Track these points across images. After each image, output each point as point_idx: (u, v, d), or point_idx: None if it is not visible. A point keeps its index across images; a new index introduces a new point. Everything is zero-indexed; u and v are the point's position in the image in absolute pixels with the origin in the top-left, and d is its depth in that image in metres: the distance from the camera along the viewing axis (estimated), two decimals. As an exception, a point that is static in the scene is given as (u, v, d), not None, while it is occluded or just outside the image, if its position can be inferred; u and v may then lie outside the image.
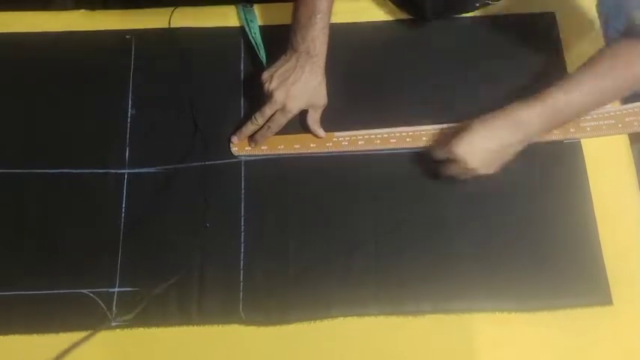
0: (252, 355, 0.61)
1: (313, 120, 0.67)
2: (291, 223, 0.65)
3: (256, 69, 0.70)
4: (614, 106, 0.69)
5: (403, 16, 0.74)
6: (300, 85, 0.63)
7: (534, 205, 0.66)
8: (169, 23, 0.74)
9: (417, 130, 0.68)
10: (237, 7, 0.75)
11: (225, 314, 0.62)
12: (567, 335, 0.61)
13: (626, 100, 0.68)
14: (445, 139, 0.63)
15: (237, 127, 0.68)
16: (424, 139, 0.68)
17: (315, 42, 0.63)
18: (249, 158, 0.68)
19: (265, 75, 0.65)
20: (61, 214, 0.65)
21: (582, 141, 0.68)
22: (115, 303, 0.62)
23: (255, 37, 0.72)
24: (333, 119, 0.68)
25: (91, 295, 0.62)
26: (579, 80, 0.59)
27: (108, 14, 0.75)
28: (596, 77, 0.58)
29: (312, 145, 0.68)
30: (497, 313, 0.62)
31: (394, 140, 0.68)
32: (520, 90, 0.70)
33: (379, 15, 0.75)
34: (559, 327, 0.61)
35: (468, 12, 0.74)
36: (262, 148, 0.68)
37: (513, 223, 0.65)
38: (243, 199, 0.66)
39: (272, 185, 0.67)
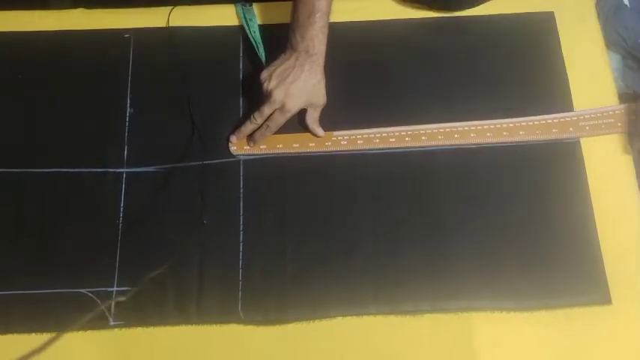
0: (250, 354, 0.61)
1: (312, 119, 0.67)
2: (289, 223, 0.65)
3: (255, 68, 0.70)
4: (614, 105, 0.69)
5: (403, 15, 0.74)
6: (300, 84, 0.63)
7: (533, 205, 0.66)
8: (168, 22, 0.74)
9: (417, 130, 0.68)
10: (236, 7, 0.75)
11: (223, 314, 0.62)
12: (566, 335, 0.61)
13: (626, 99, 0.68)
14: None
15: (236, 127, 0.68)
16: (423, 138, 0.68)
17: (314, 41, 0.63)
18: (247, 157, 0.68)
19: (264, 74, 0.65)
20: (60, 213, 0.65)
21: (582, 140, 0.68)
22: (113, 302, 0.62)
23: (255, 35, 0.72)
24: (332, 118, 0.68)
25: (89, 294, 0.62)
26: None
27: (106, 13, 0.75)
28: None
29: (311, 144, 0.68)
30: (496, 312, 0.62)
31: (393, 140, 0.68)
32: (519, 89, 0.71)
33: (378, 14, 0.74)
34: (558, 326, 0.61)
35: None
36: (261, 147, 0.68)
37: (512, 223, 0.65)
38: (241, 199, 0.66)
39: (271, 184, 0.67)
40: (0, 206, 0.66)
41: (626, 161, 0.68)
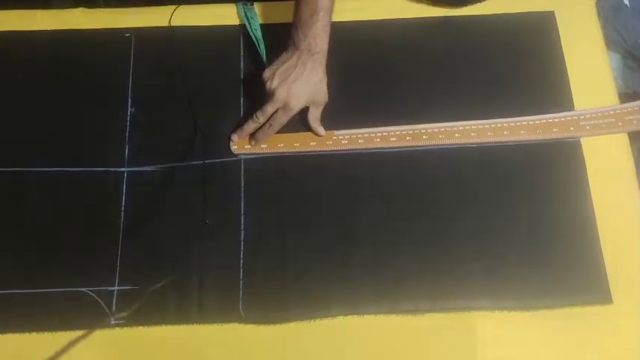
0: (251, 353, 0.61)
1: (314, 117, 0.67)
2: (290, 222, 0.65)
3: (256, 67, 0.70)
4: (614, 105, 0.69)
5: (406, 14, 0.74)
6: (302, 82, 0.63)
7: (534, 204, 0.66)
8: (170, 22, 0.74)
9: (418, 129, 0.68)
10: (237, 6, 0.75)
11: (224, 313, 0.61)
12: (567, 334, 0.61)
13: (626, 99, 0.68)
14: None
15: (238, 126, 0.68)
16: (424, 137, 0.68)
17: (317, 39, 0.63)
18: (248, 157, 0.68)
19: (267, 73, 0.65)
20: (61, 212, 0.65)
21: (582, 140, 0.68)
22: (114, 301, 0.62)
23: (256, 33, 0.71)
24: (333, 117, 0.68)
25: (91, 293, 0.62)
26: None
27: (107, 12, 0.75)
28: None
29: (312, 143, 0.68)
30: (496, 311, 0.62)
31: (394, 139, 0.68)
32: (519, 88, 0.71)
33: (380, 14, 0.74)
34: (558, 326, 0.61)
35: None
36: (262, 146, 0.68)
37: (513, 222, 0.65)
38: (242, 197, 0.66)
39: (272, 184, 0.67)
40: (1, 205, 0.66)
41: (627, 161, 0.68)
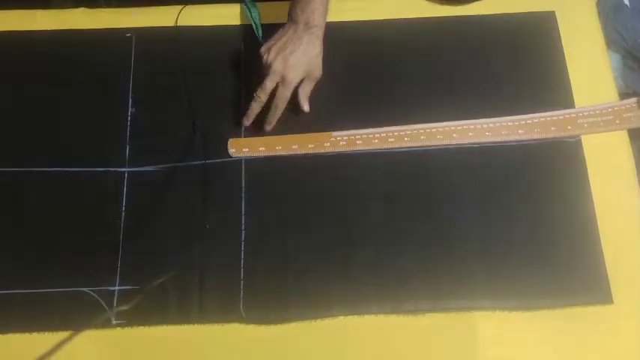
0: (252, 353, 0.61)
1: (304, 92, 0.66)
2: (291, 222, 0.65)
3: (257, 67, 0.69)
4: (612, 102, 0.69)
5: (406, 12, 0.74)
6: (299, 54, 0.63)
7: (534, 204, 0.66)
8: (177, 22, 0.74)
9: (415, 129, 0.68)
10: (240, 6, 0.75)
11: (225, 313, 0.62)
12: (567, 334, 0.61)
13: (624, 96, 0.68)
14: None
15: (237, 125, 0.68)
16: (422, 138, 0.68)
17: (315, 14, 0.63)
18: (249, 157, 0.68)
19: (263, 48, 0.65)
20: (61, 212, 0.65)
21: (582, 139, 0.68)
22: (115, 301, 0.62)
23: (254, 16, 0.71)
24: (331, 118, 0.68)
25: (91, 293, 0.62)
26: None
27: (108, 12, 0.75)
28: None
29: (309, 145, 0.68)
30: (497, 311, 0.62)
31: (392, 140, 0.68)
32: (520, 88, 0.71)
33: (380, 14, 0.74)
34: (559, 326, 0.61)
35: None
36: (260, 149, 0.68)
37: (513, 222, 0.65)
38: (243, 198, 0.66)
39: (272, 184, 0.67)
40: (1, 205, 0.66)
41: (627, 161, 0.68)
